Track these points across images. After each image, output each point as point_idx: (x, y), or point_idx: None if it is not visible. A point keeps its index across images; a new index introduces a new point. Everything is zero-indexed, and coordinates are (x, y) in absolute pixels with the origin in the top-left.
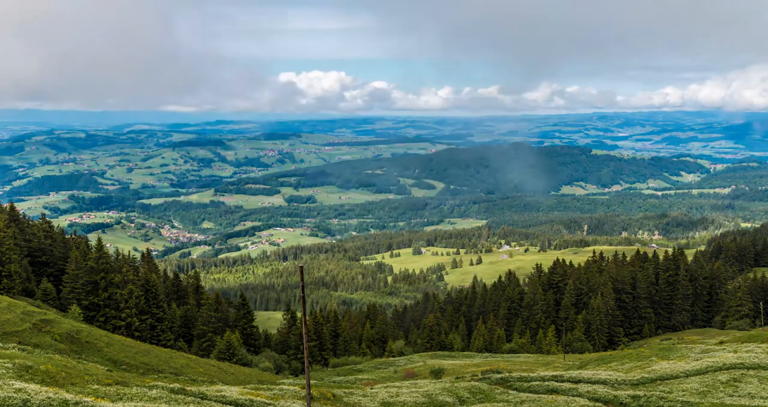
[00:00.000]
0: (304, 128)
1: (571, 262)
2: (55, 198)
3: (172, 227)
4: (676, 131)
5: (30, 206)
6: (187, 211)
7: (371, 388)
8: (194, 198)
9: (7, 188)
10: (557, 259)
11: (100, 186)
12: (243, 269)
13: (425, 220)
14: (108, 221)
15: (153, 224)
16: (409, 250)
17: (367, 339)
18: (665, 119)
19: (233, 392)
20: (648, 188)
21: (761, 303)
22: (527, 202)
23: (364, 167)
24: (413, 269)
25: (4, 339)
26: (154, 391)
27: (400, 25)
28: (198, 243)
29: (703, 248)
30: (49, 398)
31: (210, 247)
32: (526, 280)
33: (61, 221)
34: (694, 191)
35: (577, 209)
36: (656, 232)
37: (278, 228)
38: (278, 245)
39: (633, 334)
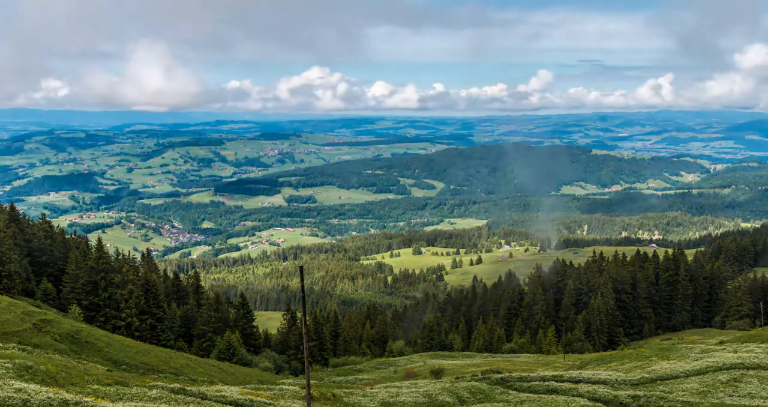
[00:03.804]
0: (304, 128)
1: (571, 262)
2: (55, 198)
3: (172, 227)
4: (676, 131)
5: (30, 206)
6: (187, 211)
7: (371, 388)
8: (194, 198)
9: (7, 188)
10: (557, 259)
11: (100, 186)
12: (243, 269)
13: (425, 220)
14: (108, 221)
15: (153, 224)
16: (409, 250)
17: (367, 339)
18: (665, 119)
19: (233, 392)
20: (648, 188)
21: (761, 303)
22: (527, 202)
23: (364, 167)
24: (413, 269)
25: (4, 339)
26: (154, 391)
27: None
28: (198, 243)
29: (703, 248)
30: (49, 398)
31: (210, 247)
32: (526, 280)
33: (61, 221)
34: (694, 191)
35: (577, 209)
36: (656, 232)
37: (278, 228)
38: (278, 245)
39: (633, 334)
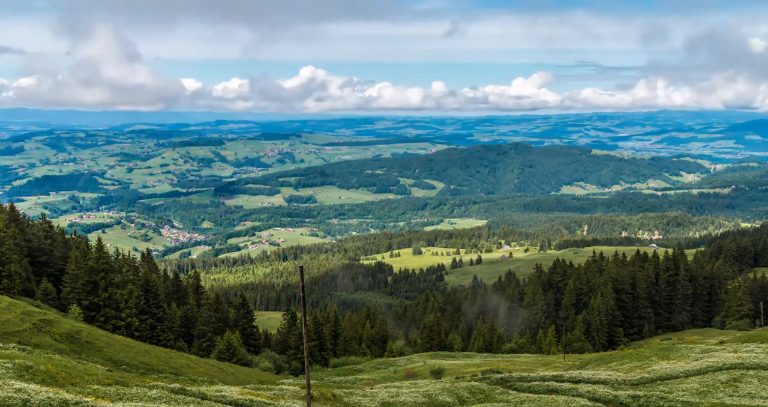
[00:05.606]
0: (304, 128)
1: (571, 262)
2: (55, 198)
3: (172, 227)
4: (676, 131)
5: (30, 206)
6: (187, 211)
7: (371, 388)
8: (194, 198)
9: (7, 188)
10: (557, 259)
11: (100, 186)
12: (243, 269)
13: (425, 220)
14: (108, 221)
15: (153, 224)
16: (409, 250)
17: (367, 339)
18: (665, 119)
19: (233, 392)
20: (648, 188)
21: (761, 303)
22: (527, 202)
23: (364, 167)
24: (413, 269)
25: (4, 339)
26: (154, 391)
27: None
28: (198, 243)
29: (703, 248)
30: (49, 398)
31: (210, 247)
32: (526, 280)
33: (61, 221)
34: (694, 191)
35: (577, 209)
36: (656, 232)
37: (278, 228)
38: (278, 245)
39: (633, 334)
